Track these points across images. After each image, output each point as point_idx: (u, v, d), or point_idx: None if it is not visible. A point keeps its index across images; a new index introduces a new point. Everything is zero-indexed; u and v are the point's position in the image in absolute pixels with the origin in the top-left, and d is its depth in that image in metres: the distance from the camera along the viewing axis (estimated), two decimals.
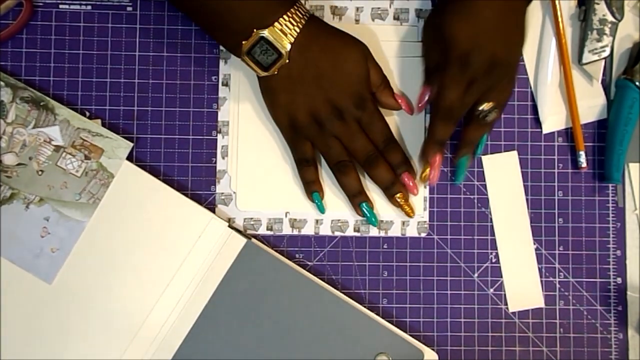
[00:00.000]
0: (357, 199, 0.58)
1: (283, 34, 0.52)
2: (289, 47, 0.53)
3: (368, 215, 0.58)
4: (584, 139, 0.60)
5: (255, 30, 0.52)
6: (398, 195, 0.57)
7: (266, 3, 0.52)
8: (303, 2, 0.59)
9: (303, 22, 0.53)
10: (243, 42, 0.53)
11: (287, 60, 0.53)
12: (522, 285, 0.59)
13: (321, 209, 0.58)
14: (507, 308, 0.59)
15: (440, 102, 0.53)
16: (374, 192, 0.59)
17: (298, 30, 0.53)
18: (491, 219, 0.60)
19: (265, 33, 0.52)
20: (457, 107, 0.53)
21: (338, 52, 0.54)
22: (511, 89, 0.56)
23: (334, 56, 0.54)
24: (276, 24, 0.52)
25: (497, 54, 0.51)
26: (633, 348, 0.60)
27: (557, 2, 0.59)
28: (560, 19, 0.59)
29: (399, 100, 0.57)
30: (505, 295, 0.59)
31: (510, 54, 0.54)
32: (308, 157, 0.57)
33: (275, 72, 0.54)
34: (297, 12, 0.53)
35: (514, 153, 0.60)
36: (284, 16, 0.52)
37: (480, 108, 0.54)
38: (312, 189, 0.58)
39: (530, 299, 0.59)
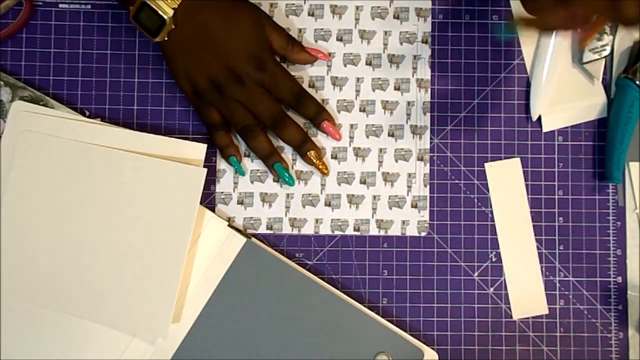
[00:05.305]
0: (269, 160, 0.57)
1: None
2: (171, 12, 0.52)
3: (282, 176, 0.57)
4: (584, 138, 0.60)
5: None
6: (310, 153, 0.57)
7: None
8: (301, 1, 0.59)
9: None
10: (130, 8, 0.53)
11: (174, 26, 0.53)
12: (526, 293, 0.59)
13: (240, 172, 0.58)
14: (511, 314, 0.59)
15: None
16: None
17: None
18: (492, 219, 0.60)
19: None
20: None
21: (229, 14, 0.54)
22: None
23: (225, 18, 0.53)
24: None
25: None
26: (633, 347, 0.59)
27: None
28: None
29: (312, 52, 0.57)
30: (505, 294, 0.59)
31: None
32: (215, 123, 0.56)
33: (166, 38, 0.53)
34: None
35: (517, 160, 0.60)
36: None
37: None
38: (227, 153, 0.57)
39: (534, 306, 0.59)
